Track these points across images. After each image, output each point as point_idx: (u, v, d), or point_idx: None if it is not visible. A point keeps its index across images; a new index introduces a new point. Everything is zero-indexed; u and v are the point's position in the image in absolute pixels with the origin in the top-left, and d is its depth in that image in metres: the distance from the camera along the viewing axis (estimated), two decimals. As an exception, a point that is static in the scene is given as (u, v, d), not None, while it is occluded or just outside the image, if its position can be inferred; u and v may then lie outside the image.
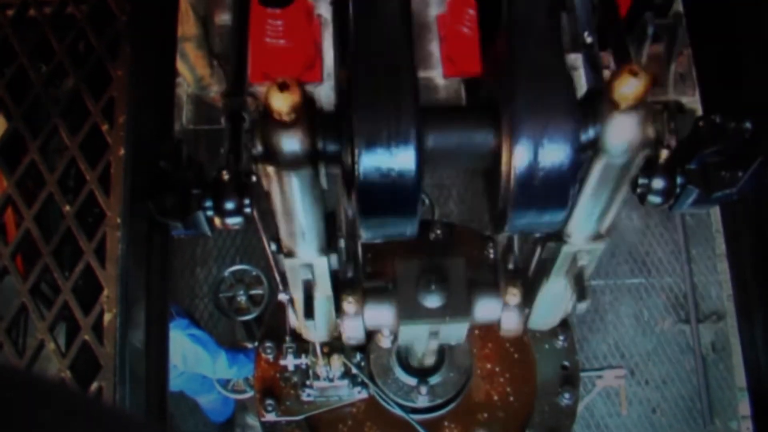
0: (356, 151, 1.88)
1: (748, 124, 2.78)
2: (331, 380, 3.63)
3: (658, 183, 2.85)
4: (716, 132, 2.82)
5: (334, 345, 3.63)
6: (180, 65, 7.22)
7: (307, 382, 3.68)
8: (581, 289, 2.51)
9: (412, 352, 3.48)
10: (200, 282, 7.73)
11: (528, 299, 2.77)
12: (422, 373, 3.58)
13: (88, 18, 2.86)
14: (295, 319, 2.96)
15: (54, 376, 2.51)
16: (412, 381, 3.57)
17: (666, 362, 7.67)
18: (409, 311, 2.72)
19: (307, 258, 2.45)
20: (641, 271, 7.87)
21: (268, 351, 3.81)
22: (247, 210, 2.82)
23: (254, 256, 7.54)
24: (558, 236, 2.39)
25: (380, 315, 2.79)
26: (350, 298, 2.74)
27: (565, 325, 3.90)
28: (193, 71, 7.64)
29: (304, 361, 3.62)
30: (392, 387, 3.60)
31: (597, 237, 2.39)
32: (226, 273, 7.06)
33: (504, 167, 1.93)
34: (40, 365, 2.62)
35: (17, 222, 2.71)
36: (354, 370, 3.63)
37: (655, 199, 2.89)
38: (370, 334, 3.65)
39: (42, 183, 2.70)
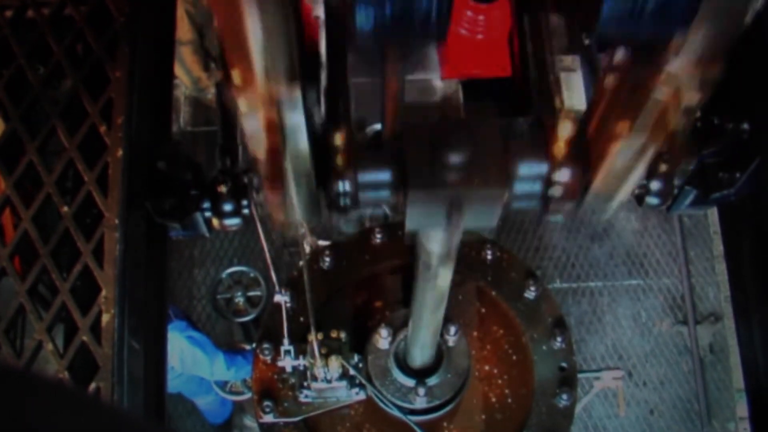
0: None
1: (745, 125, 2.79)
2: (329, 381, 3.63)
3: (656, 184, 2.85)
4: (714, 132, 2.82)
5: (332, 346, 3.63)
6: (177, 68, 7.22)
7: (305, 384, 3.67)
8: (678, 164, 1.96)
9: (411, 352, 3.48)
10: (198, 283, 7.73)
11: (585, 172, 2.00)
12: (420, 375, 3.57)
13: (86, 19, 2.86)
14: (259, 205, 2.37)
15: (52, 376, 2.51)
16: (410, 382, 3.56)
17: (664, 363, 7.68)
18: (423, 174, 1.91)
19: (272, 110, 1.69)
20: (639, 273, 7.88)
21: (266, 352, 3.80)
22: (245, 211, 2.83)
23: (252, 257, 7.54)
24: (650, 52, 1.63)
25: (381, 177, 2.03)
26: (338, 146, 1.98)
27: (562, 326, 3.90)
28: (190, 74, 7.65)
29: (301, 362, 3.61)
30: (390, 388, 3.59)
31: (711, 59, 1.59)
32: (224, 274, 7.07)
33: None
34: (38, 366, 2.62)
35: (15, 223, 2.71)
36: (352, 372, 3.62)
37: (653, 201, 2.90)
38: (369, 333, 3.65)
39: (40, 184, 2.70)
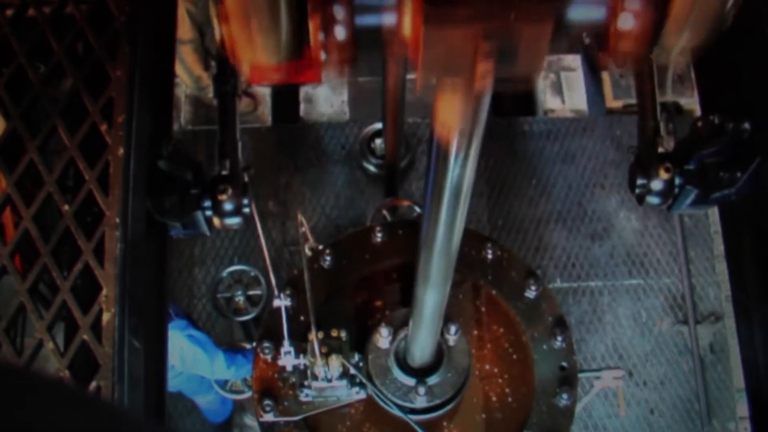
0: None
1: (746, 125, 2.79)
2: (329, 380, 3.62)
3: (656, 184, 2.85)
4: (715, 132, 2.83)
5: (333, 345, 3.63)
6: (177, 67, 7.22)
7: (305, 383, 3.67)
8: None
9: (411, 351, 3.48)
10: (198, 282, 7.72)
11: None
12: (420, 374, 3.57)
13: (87, 18, 2.86)
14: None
15: (52, 374, 2.51)
16: (410, 381, 3.56)
17: (664, 363, 7.66)
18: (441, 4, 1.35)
19: None
20: (639, 272, 7.86)
21: (266, 351, 3.80)
22: (246, 210, 2.83)
23: (252, 256, 7.54)
24: None
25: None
26: None
27: (563, 325, 3.90)
28: (190, 73, 7.65)
29: (302, 361, 3.61)
30: (390, 387, 3.59)
31: None
32: (225, 273, 7.06)
33: None
34: (38, 364, 2.62)
35: (16, 222, 2.71)
36: (352, 371, 3.62)
37: (653, 200, 2.90)
38: (369, 332, 3.65)
39: (41, 183, 2.70)
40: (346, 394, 3.72)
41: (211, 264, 7.72)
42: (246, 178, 2.96)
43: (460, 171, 1.95)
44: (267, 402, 3.74)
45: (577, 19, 1.49)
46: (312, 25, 1.47)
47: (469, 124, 1.77)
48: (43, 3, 2.89)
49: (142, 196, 2.76)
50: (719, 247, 7.71)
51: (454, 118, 1.73)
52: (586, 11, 1.50)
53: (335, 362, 3.58)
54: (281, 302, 3.50)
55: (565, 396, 3.75)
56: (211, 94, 7.96)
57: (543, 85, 8.18)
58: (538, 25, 1.39)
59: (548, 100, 8.19)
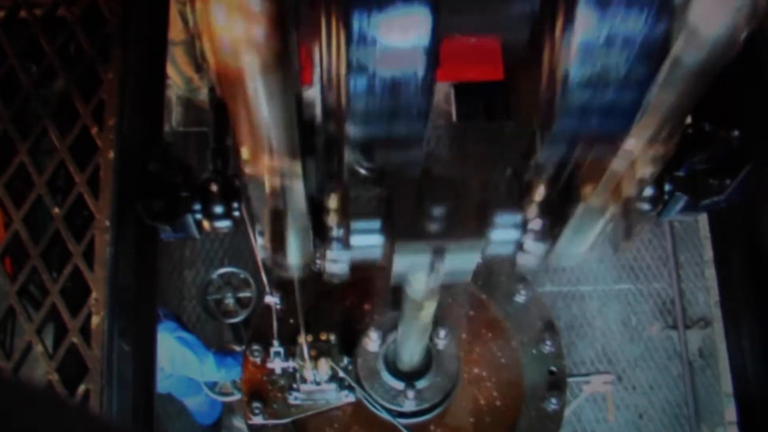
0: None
1: (736, 132, 2.79)
2: (318, 383, 3.63)
3: (646, 190, 2.86)
4: (705, 139, 2.83)
5: (322, 348, 3.63)
6: (169, 69, 7.21)
7: (294, 386, 3.68)
8: (630, 217, 1.95)
9: (400, 355, 3.48)
10: (188, 284, 7.71)
11: (555, 224, 2.16)
12: (409, 377, 3.58)
13: (79, 20, 2.86)
14: (262, 247, 2.33)
15: (41, 380, 2.51)
16: (399, 385, 3.56)
17: (653, 368, 7.69)
18: (409, 226, 2.09)
19: (275, 180, 1.85)
20: (629, 277, 7.89)
21: (256, 354, 3.80)
22: (236, 213, 2.82)
23: (242, 258, 7.53)
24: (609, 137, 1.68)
25: (372, 233, 2.22)
26: (333, 208, 2.13)
27: (552, 329, 3.90)
28: (182, 75, 7.64)
29: (291, 364, 3.62)
30: (379, 391, 3.60)
31: (664, 139, 1.64)
32: (214, 275, 7.06)
33: (556, 35, 1.34)
34: (27, 367, 2.61)
35: (6, 223, 2.71)
36: (341, 374, 3.62)
37: (643, 207, 2.90)
38: (358, 336, 3.65)
39: (31, 185, 2.69)
40: (335, 397, 3.72)
41: (201, 266, 7.72)
42: (236, 181, 2.96)
43: None
44: (256, 404, 3.74)
45: (492, 253, 2.18)
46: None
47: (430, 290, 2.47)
48: (34, 5, 2.88)
49: (133, 199, 2.75)
50: (709, 252, 7.73)
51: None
52: (499, 249, 2.16)
53: (324, 365, 3.58)
54: (272, 299, 3.50)
55: (554, 400, 3.76)
56: (202, 96, 7.95)
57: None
58: (471, 251, 2.12)
59: (539, 105, 8.19)
